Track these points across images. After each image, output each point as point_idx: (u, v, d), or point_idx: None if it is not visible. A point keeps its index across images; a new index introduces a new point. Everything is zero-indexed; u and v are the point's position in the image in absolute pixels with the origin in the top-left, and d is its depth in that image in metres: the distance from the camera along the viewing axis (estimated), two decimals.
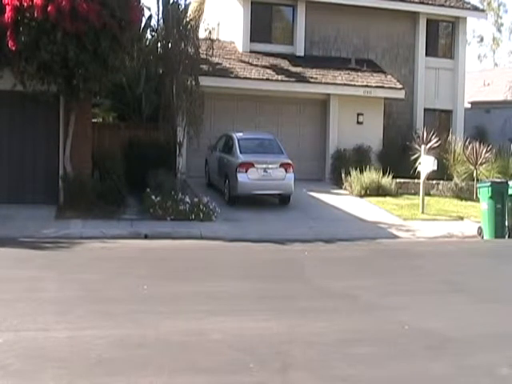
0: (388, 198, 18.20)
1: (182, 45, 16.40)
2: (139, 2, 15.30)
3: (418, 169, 17.60)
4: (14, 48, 13.49)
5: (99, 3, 13.85)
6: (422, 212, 16.67)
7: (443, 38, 24.28)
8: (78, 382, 5.08)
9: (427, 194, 18.06)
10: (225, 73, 19.84)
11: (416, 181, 18.35)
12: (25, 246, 11.39)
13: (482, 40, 51.09)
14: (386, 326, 7.03)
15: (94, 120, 18.53)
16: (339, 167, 19.90)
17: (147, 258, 11.09)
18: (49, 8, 13.27)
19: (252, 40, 21.74)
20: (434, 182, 19.28)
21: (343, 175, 19.25)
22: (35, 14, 13.37)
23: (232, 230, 13.83)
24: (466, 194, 19.22)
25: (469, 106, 29.31)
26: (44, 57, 13.67)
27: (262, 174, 16.04)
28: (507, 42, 61.19)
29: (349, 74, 21.21)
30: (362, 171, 19.02)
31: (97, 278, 9.06)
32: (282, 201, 16.86)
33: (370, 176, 18.78)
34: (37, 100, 14.69)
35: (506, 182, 15.20)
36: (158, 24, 18.59)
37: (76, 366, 5.40)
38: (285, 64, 21.12)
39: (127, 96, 20.12)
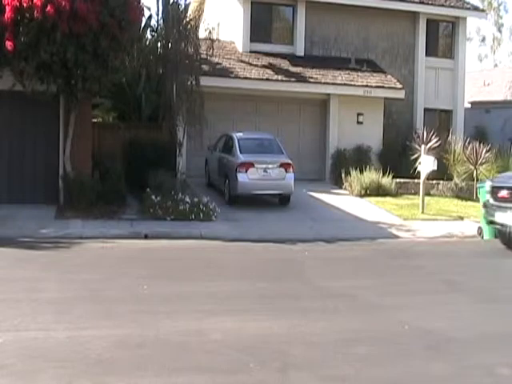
0: (388, 198, 18.20)
1: (182, 45, 16.39)
2: (139, 2, 15.29)
3: (418, 169, 17.60)
4: (11, 48, 13.49)
5: (99, 3, 13.85)
6: (422, 212, 16.67)
7: (443, 38, 24.28)
8: (77, 382, 5.08)
9: (427, 193, 18.06)
10: (225, 73, 19.85)
11: (416, 181, 18.35)
12: (25, 246, 11.39)
13: (483, 40, 51.10)
14: (386, 325, 7.03)
15: (94, 120, 18.53)
16: (339, 167, 19.91)
17: (147, 257, 11.09)
18: (47, 8, 13.28)
19: (252, 40, 21.74)
20: (434, 181, 19.28)
21: (343, 175, 19.25)
22: (35, 15, 13.37)
23: (232, 229, 13.83)
24: (466, 194, 19.22)
25: (469, 105, 29.31)
26: (43, 57, 13.67)
27: (262, 173, 16.05)
28: (507, 42, 61.06)
29: (349, 73, 21.21)
30: (361, 171, 19.02)
31: (97, 278, 9.06)
32: (282, 201, 16.86)
33: (370, 176, 18.78)
34: (37, 100, 14.70)
35: None
36: (157, 24, 18.62)
37: (76, 365, 5.40)
38: (285, 64, 21.11)
39: (127, 96, 20.12)
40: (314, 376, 5.34)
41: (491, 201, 13.20)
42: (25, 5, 13.41)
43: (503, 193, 12.88)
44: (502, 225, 12.83)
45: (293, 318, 7.17)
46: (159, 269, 10.00)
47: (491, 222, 13.18)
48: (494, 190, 13.14)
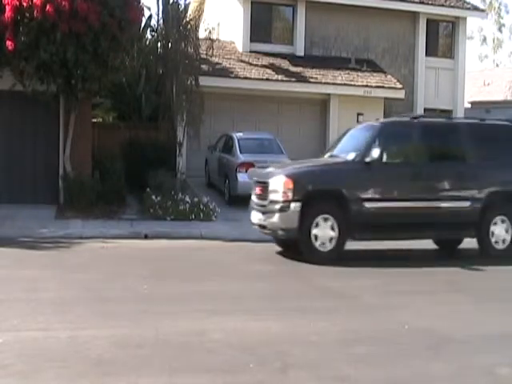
0: None
1: (182, 45, 16.41)
2: (139, 2, 15.31)
3: None
4: (11, 48, 13.49)
5: (99, 3, 13.86)
6: None
7: (443, 38, 24.29)
8: (78, 382, 5.08)
9: None
10: (225, 73, 19.85)
11: None
12: (25, 246, 11.39)
13: (485, 40, 51.01)
14: (386, 325, 7.03)
15: (94, 120, 18.54)
16: None
17: (147, 257, 11.09)
18: (47, 8, 13.28)
19: (252, 40, 21.75)
20: None
21: None
22: (35, 14, 13.38)
23: (232, 229, 13.83)
24: None
25: (469, 105, 29.31)
26: (43, 57, 13.68)
27: None
28: (508, 42, 61.07)
29: (349, 73, 21.21)
30: None
31: (97, 278, 9.06)
32: None
33: None
34: (37, 100, 14.71)
35: None
36: (157, 24, 18.61)
37: (76, 365, 5.40)
38: (285, 64, 21.12)
39: (127, 96, 20.12)
40: (313, 376, 5.34)
41: (252, 197, 11.49)
42: (25, 4, 13.42)
43: (257, 189, 11.23)
44: (259, 226, 11.18)
45: (293, 318, 7.17)
46: (159, 269, 10.00)
47: (252, 223, 11.53)
48: (254, 185, 11.46)
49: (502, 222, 11.64)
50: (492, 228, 11.54)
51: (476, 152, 11.63)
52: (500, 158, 11.79)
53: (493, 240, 11.58)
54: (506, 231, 11.66)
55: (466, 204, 11.43)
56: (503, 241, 11.65)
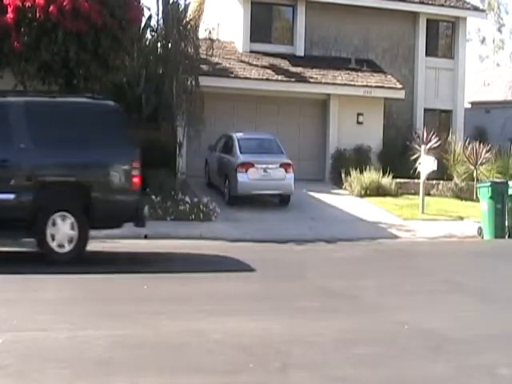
0: (388, 198, 18.21)
1: (182, 45, 16.43)
2: (139, 2, 15.32)
3: (418, 169, 17.62)
4: (18, 49, 13.48)
5: (99, 3, 13.86)
6: (422, 212, 16.68)
7: (443, 38, 24.29)
8: (77, 382, 5.07)
9: (427, 194, 18.06)
10: (225, 73, 19.85)
11: (416, 181, 18.36)
12: (25, 246, 11.38)
13: (483, 40, 51.00)
14: (386, 326, 7.02)
15: None
16: (339, 167, 19.91)
17: (147, 257, 11.08)
18: (50, 8, 13.27)
19: (252, 40, 21.75)
20: (434, 182, 19.29)
21: (343, 175, 19.26)
22: (36, 14, 13.37)
23: (232, 230, 13.83)
24: (466, 194, 19.23)
25: (469, 105, 29.31)
26: (45, 57, 13.68)
27: (262, 174, 16.05)
28: (509, 43, 61.02)
29: (349, 73, 21.22)
30: (361, 171, 19.03)
31: (97, 278, 9.06)
32: (282, 201, 16.86)
33: (370, 176, 18.79)
34: None
35: (506, 182, 15.23)
36: (157, 24, 18.62)
37: (76, 365, 5.40)
38: (285, 64, 21.12)
39: (127, 96, 20.08)
40: (314, 376, 5.33)
41: None
42: (27, 4, 13.39)
43: None
44: None
45: (293, 318, 7.17)
46: (159, 269, 9.99)
47: None
48: None
49: (65, 219, 9.68)
50: (51, 227, 9.59)
51: (31, 135, 9.64)
52: (65, 143, 9.81)
53: (53, 241, 9.65)
54: (71, 230, 9.70)
55: (10, 197, 9.44)
56: (68, 242, 9.72)
